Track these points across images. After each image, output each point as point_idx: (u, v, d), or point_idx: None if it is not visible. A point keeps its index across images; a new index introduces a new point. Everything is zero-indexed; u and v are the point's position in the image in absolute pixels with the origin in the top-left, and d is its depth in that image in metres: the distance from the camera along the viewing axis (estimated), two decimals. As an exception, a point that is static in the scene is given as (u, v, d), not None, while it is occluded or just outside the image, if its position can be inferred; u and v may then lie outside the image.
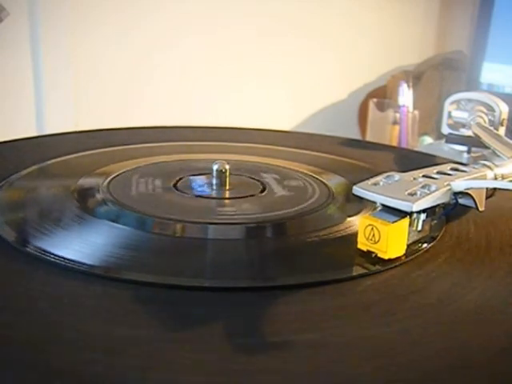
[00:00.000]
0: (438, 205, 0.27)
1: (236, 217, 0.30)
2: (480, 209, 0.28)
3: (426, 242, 0.28)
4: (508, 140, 0.38)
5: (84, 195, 0.32)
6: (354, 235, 0.27)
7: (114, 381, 0.18)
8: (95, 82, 0.99)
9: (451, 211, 0.29)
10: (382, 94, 1.16)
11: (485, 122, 0.46)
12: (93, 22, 0.96)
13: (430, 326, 0.22)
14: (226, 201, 0.33)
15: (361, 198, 0.28)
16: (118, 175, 0.36)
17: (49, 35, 0.92)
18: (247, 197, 0.33)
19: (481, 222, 0.32)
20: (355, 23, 1.23)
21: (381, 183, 0.28)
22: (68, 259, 0.25)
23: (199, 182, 0.35)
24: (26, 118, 0.94)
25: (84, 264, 0.25)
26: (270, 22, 1.13)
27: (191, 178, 0.36)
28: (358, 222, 0.28)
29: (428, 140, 1.06)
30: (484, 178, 0.30)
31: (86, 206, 0.31)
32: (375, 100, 1.08)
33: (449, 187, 0.27)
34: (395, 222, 0.26)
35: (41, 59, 0.92)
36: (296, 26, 1.16)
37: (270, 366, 0.19)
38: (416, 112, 1.02)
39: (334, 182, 0.37)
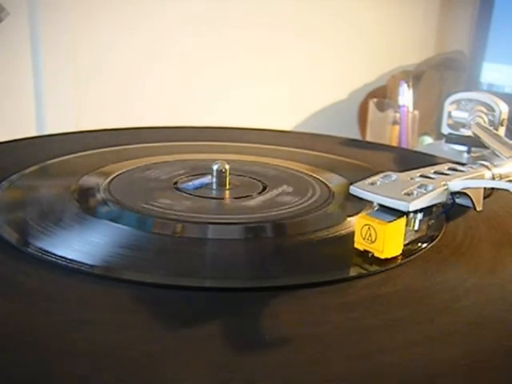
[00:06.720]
0: (435, 204, 0.27)
1: (236, 217, 0.30)
2: (477, 209, 0.28)
3: (424, 242, 0.29)
4: (507, 140, 0.38)
5: (84, 195, 0.33)
6: (354, 235, 0.27)
7: (114, 379, 0.18)
8: (95, 82, 0.99)
9: (449, 211, 0.29)
10: (382, 94, 1.16)
11: (485, 122, 0.46)
12: (93, 22, 0.96)
13: (429, 325, 0.22)
14: (226, 201, 0.33)
15: (359, 198, 0.28)
16: (118, 175, 0.36)
17: (49, 35, 0.92)
18: (247, 197, 0.33)
19: (479, 221, 0.32)
20: (355, 23, 1.23)
21: (378, 183, 0.28)
22: (68, 259, 0.25)
23: (199, 182, 0.35)
24: (25, 118, 0.94)
25: (84, 264, 0.25)
26: (270, 21, 1.13)
27: (191, 178, 0.36)
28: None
29: (428, 140, 1.06)
30: (482, 177, 0.30)
31: (86, 206, 0.31)
32: (375, 100, 1.08)
33: (446, 187, 0.27)
34: (392, 221, 0.26)
35: (41, 59, 0.92)
36: (296, 26, 1.16)
37: (271, 365, 0.19)
38: (416, 112, 1.02)
39: (334, 181, 0.37)
